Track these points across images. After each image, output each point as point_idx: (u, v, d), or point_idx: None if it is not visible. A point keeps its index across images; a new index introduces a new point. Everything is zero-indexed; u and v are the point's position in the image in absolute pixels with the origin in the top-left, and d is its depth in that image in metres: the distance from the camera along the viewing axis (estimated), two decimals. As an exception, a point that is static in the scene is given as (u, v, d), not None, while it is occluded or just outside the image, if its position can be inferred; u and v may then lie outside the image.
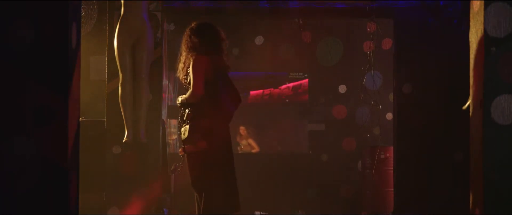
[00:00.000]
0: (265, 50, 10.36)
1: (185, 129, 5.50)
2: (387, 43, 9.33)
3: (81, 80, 3.77)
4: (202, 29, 5.62)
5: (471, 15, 4.06)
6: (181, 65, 5.63)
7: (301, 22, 8.48)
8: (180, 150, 5.59)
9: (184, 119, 5.53)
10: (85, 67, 7.37)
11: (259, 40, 10.43)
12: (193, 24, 5.67)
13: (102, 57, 7.66)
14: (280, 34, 10.31)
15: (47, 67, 3.48)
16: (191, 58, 5.51)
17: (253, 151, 11.04)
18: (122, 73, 7.08)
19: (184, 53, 5.61)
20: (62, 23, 3.50)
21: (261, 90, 10.82)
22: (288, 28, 9.96)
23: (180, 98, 5.57)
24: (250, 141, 11.09)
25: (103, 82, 7.54)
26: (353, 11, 8.12)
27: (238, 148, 10.88)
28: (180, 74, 5.64)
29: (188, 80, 5.52)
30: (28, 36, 3.47)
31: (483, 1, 3.87)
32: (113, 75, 7.31)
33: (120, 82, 7.10)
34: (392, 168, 8.88)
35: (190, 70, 5.46)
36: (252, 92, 10.83)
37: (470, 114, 4.10)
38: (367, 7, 7.89)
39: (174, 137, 10.71)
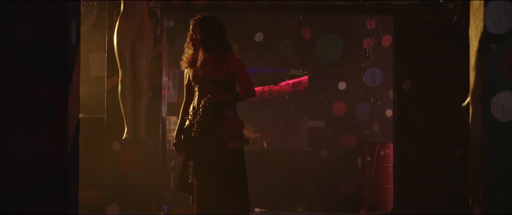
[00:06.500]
0: (265, 47, 10.35)
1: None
2: (387, 40, 9.32)
3: (81, 77, 3.76)
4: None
5: (471, 12, 4.06)
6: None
7: (300, 18, 8.46)
8: None
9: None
10: (85, 64, 7.37)
11: (258, 37, 10.42)
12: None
13: (102, 54, 7.66)
14: (279, 31, 10.29)
15: (47, 64, 3.47)
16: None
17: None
18: (121, 70, 7.07)
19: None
20: (62, 20, 3.50)
21: (261, 87, 10.81)
22: (288, 25, 9.95)
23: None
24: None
25: (103, 79, 7.54)
26: (353, 8, 8.11)
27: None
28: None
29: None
30: (28, 33, 3.47)
31: (483, -2, 3.87)
32: (112, 72, 7.31)
33: (120, 79, 7.10)
34: (391, 165, 8.89)
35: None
36: (251, 89, 10.78)
37: (470, 110, 4.10)
38: (367, 4, 7.89)
39: (174, 133, 10.70)
